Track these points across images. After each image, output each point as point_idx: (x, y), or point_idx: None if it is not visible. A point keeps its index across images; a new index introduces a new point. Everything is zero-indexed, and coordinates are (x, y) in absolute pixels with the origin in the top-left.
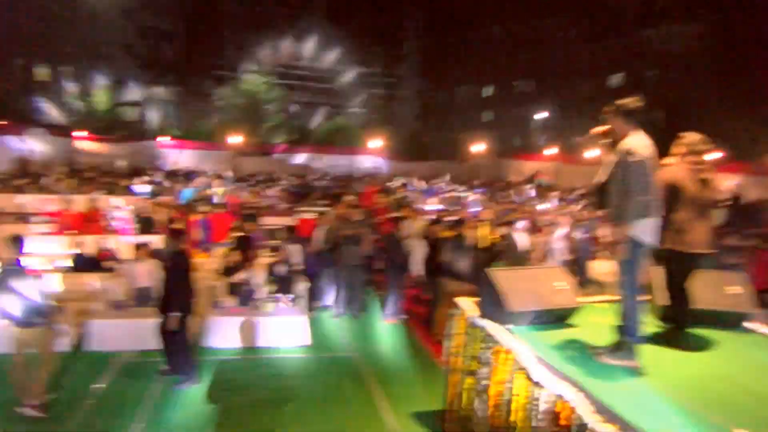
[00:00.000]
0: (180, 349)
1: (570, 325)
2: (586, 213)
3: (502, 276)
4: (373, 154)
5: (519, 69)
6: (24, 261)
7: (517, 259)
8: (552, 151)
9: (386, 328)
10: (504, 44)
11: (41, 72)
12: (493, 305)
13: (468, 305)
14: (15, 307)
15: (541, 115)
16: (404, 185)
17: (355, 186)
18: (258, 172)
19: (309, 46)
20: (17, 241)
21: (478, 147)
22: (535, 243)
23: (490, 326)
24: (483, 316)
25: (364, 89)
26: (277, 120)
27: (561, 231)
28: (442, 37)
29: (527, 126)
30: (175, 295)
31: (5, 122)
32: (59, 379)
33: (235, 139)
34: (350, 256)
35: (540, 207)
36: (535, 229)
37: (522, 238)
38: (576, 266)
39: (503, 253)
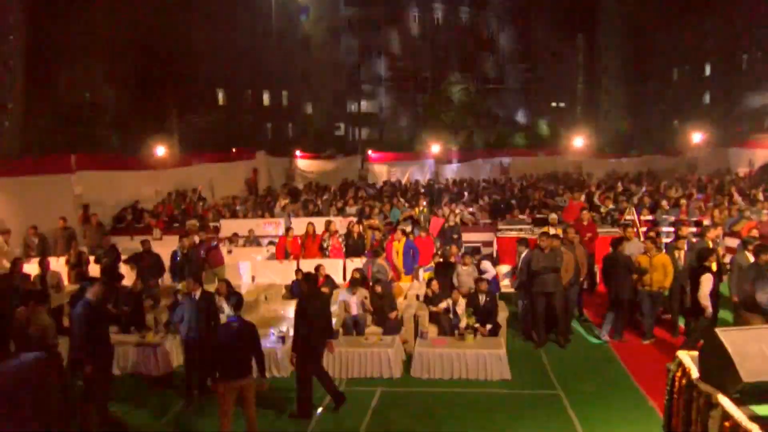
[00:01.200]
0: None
1: None
2: None
3: (733, 336)
4: (575, 153)
5: (747, 39)
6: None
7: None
8: None
9: (595, 361)
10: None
11: (266, 99)
12: (719, 368)
13: (689, 361)
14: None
15: None
16: (606, 196)
17: (557, 199)
18: (458, 181)
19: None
20: (238, 299)
21: (697, 136)
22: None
23: (713, 393)
24: (705, 379)
25: (565, 82)
26: (477, 125)
27: None
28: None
29: (759, 107)
30: (296, 334)
31: (235, 149)
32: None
33: (436, 147)
34: (549, 284)
35: None
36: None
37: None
38: None
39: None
